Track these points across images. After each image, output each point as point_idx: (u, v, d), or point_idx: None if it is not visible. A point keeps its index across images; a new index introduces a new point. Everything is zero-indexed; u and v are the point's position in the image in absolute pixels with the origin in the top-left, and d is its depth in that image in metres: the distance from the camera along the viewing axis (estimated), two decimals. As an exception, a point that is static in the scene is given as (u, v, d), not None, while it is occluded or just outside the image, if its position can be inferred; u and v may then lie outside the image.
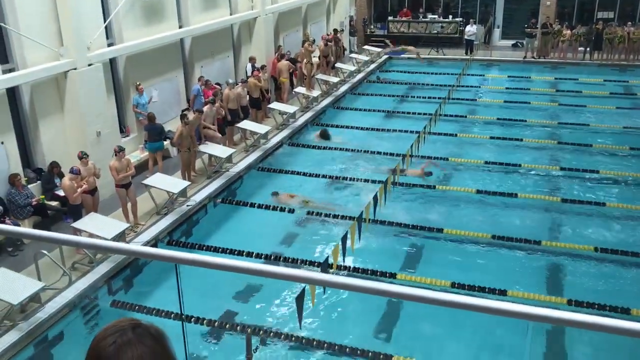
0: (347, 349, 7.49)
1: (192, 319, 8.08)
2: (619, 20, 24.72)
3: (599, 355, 7.61)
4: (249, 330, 7.71)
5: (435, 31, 26.94)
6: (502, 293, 8.59)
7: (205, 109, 13.39)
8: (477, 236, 10.45)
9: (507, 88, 20.59)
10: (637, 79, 21.07)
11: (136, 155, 13.11)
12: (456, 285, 8.82)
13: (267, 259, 9.74)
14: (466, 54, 24.77)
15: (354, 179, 12.98)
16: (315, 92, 18.80)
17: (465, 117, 17.60)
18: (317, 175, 13.28)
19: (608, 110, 17.66)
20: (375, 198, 9.36)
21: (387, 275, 9.22)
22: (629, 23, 23.53)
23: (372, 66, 23.68)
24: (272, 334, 7.83)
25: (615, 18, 25.33)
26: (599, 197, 11.99)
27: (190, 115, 12.64)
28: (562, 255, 9.93)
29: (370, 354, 7.41)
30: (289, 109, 16.79)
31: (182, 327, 3.18)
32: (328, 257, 7.96)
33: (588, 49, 23.56)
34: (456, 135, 15.99)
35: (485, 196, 12.01)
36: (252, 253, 9.75)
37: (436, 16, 27.53)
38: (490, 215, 11.41)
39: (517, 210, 11.59)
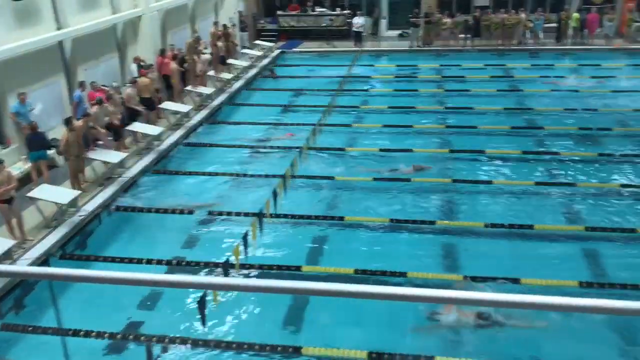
0: (256, 346, 7.46)
1: (93, 334, 7.73)
2: (494, 8, 26.25)
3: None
4: (153, 339, 7.48)
5: (324, 24, 27.34)
6: (402, 275, 8.89)
7: (94, 109, 12.76)
8: (376, 221, 10.75)
9: (396, 77, 21.29)
10: (514, 62, 22.53)
11: (19, 167, 12.27)
12: (359, 272, 9.01)
13: (169, 264, 9.48)
14: (355, 45, 25.32)
15: (254, 175, 12.91)
16: (209, 90, 18.49)
17: (359, 107, 18.02)
18: (216, 174, 13.09)
19: (489, 92, 18.74)
20: (274, 193, 9.37)
21: (293, 268, 9.26)
22: (502, 10, 25.07)
23: (266, 61, 23.65)
24: (177, 340, 7.63)
25: (491, 6, 26.86)
26: (487, 175, 12.67)
27: (77, 121, 12.01)
28: (456, 233, 10.42)
29: (279, 348, 7.43)
30: (182, 108, 16.41)
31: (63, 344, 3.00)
32: (229, 257, 7.86)
33: (468, 35, 24.85)
34: (351, 125, 16.33)
35: (382, 183, 12.36)
36: (152, 260, 9.45)
37: (324, 9, 27.91)
38: (387, 200, 11.75)
39: (412, 193, 12.02)
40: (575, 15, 24.23)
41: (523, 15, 24.62)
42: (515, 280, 8.69)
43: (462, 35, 25.03)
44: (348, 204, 11.71)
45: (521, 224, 10.45)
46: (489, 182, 12.25)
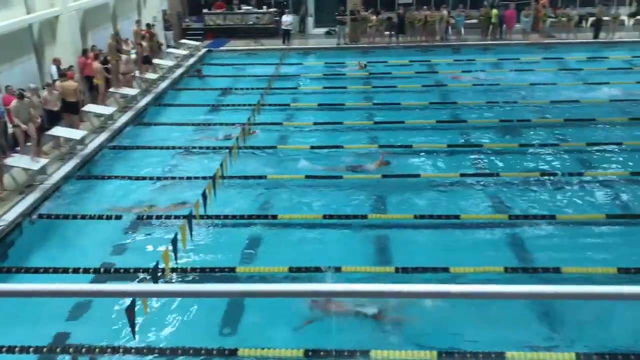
0: (191, 351, 7.33)
1: (17, 349, 7.37)
2: (417, 5, 26.93)
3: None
4: (82, 350, 7.22)
5: (251, 22, 27.20)
6: (337, 270, 8.97)
7: (13, 103, 12.14)
8: (309, 218, 10.81)
9: (324, 74, 21.44)
10: (437, 57, 23.18)
11: None
12: (294, 270, 9.03)
13: (97, 273, 9.17)
14: (283, 43, 25.33)
15: (183, 177, 12.67)
16: (134, 91, 17.99)
17: (289, 105, 18.05)
18: (143, 178, 12.75)
19: (415, 88, 19.20)
20: (204, 194, 9.23)
21: (226, 270, 9.17)
22: (425, 7, 25.75)
23: (192, 60, 23.26)
24: (109, 350, 7.40)
25: (414, 3, 27.54)
26: (414, 169, 12.96)
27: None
28: (387, 226, 10.62)
29: (214, 351, 7.34)
30: (106, 110, 15.89)
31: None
32: (158, 262, 7.68)
33: (393, 32, 25.35)
34: (282, 124, 16.32)
35: (314, 180, 12.42)
36: (79, 269, 9.10)
37: (251, 7, 27.76)
38: (321, 197, 11.82)
39: (344, 189, 12.13)
40: (494, 11, 25.18)
41: (445, 12, 25.35)
42: (445, 269, 8.94)
43: (388, 33, 25.53)
44: (281, 202, 11.70)
45: (448, 214, 10.77)
46: (417, 176, 12.53)
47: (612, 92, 17.90)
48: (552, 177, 12.23)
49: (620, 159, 13.23)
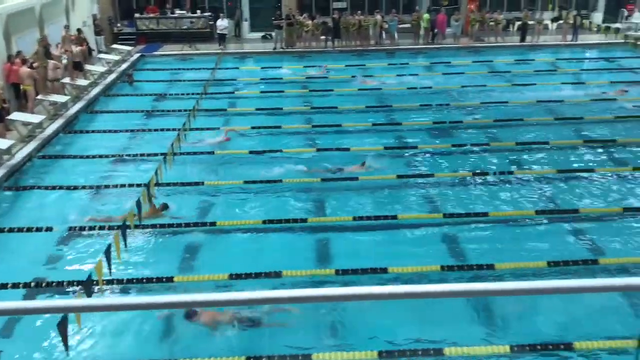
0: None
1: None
2: (351, 10, 27.28)
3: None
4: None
5: (185, 27, 26.83)
6: (277, 275, 8.96)
7: None
8: (248, 224, 10.74)
9: (262, 79, 21.39)
10: (372, 61, 23.57)
11: None
12: (234, 277, 8.96)
13: (27, 287, 8.80)
14: (219, 47, 25.11)
15: (118, 185, 12.34)
16: (64, 98, 17.38)
17: (226, 110, 17.91)
18: (75, 187, 12.33)
19: (351, 92, 19.44)
20: (138, 202, 9.02)
21: (164, 280, 8.98)
22: (359, 12, 26.13)
23: (124, 65, 22.70)
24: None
25: (348, 8, 27.90)
26: (352, 171, 13.09)
27: None
28: (327, 229, 10.68)
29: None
30: (34, 118, 15.27)
31: None
32: (91, 274, 7.44)
33: (329, 37, 25.58)
34: (219, 128, 16.16)
35: (252, 185, 12.35)
36: (7, 285, 8.70)
37: (184, 12, 27.38)
38: (261, 202, 11.77)
39: (284, 193, 12.13)
40: (426, 16, 25.83)
41: (378, 17, 25.80)
42: (384, 270, 9.09)
43: (323, 37, 25.75)
44: (220, 208, 11.57)
45: (386, 214, 10.95)
46: (355, 179, 12.66)
47: (538, 93, 18.71)
48: (484, 177, 12.64)
49: (547, 157, 13.82)
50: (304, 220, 10.83)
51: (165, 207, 11.11)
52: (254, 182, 12.45)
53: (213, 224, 10.75)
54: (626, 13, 27.96)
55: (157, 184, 10.93)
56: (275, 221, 10.76)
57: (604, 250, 9.74)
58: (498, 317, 8.05)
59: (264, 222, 10.75)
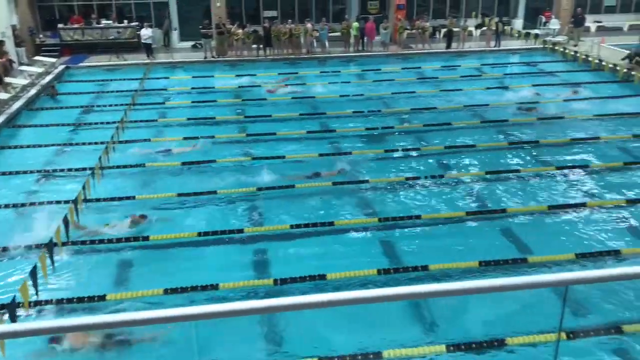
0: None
1: None
2: (282, 19, 27.35)
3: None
4: None
5: (112, 37, 26.13)
6: (214, 288, 8.81)
7: None
8: (183, 237, 10.53)
9: (193, 88, 21.09)
10: (305, 69, 23.69)
11: None
12: (169, 292, 8.75)
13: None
14: (148, 58, 24.61)
15: (44, 202, 11.82)
16: (-18, 113, 16.55)
17: (157, 120, 17.54)
18: (-3, 206, 11.74)
19: (285, 100, 19.46)
20: (65, 219, 8.67)
21: (96, 299, 8.66)
22: (290, 21, 26.23)
23: (49, 78, 21.84)
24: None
25: (279, 17, 27.96)
26: (288, 180, 13.08)
27: None
28: (264, 239, 10.61)
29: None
30: (-51, 135, 14.45)
31: None
32: (15, 296, 7.08)
33: (260, 45, 25.54)
34: (150, 140, 15.80)
35: (186, 198, 12.13)
36: None
37: (111, 21, 26.66)
38: (195, 215, 11.56)
39: (219, 204, 11.97)
40: (355, 24, 26.23)
41: (309, 25, 25.99)
42: (322, 277, 9.11)
43: (255, 46, 25.69)
44: (153, 222, 11.27)
45: (323, 221, 11.00)
46: (291, 187, 12.65)
47: (465, 98, 19.34)
48: (416, 181, 12.91)
49: (475, 159, 14.28)
50: (241, 231, 10.72)
51: (143, 217, 11.07)
52: (187, 194, 12.23)
53: (146, 238, 10.47)
54: (544, 19, 29.39)
55: (85, 200, 10.55)
56: (210, 233, 10.61)
57: (532, 249, 10.12)
58: (433, 318, 8.21)
59: (199, 234, 10.57)
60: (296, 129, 16.49)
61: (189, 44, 27.72)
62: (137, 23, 26.53)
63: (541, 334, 7.57)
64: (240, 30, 25.41)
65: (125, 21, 26.85)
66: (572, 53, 24.64)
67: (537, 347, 7.51)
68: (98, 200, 11.74)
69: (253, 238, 10.65)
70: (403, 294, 3.14)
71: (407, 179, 13.02)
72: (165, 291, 8.77)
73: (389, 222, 11.06)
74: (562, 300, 3.29)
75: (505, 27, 28.10)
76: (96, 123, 17.09)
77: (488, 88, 20.58)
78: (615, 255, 9.77)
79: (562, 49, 25.40)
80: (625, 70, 21.29)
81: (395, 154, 14.61)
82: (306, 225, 10.90)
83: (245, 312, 2.96)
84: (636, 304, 8.39)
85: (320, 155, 14.50)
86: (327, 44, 26.20)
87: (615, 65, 21.94)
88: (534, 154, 14.55)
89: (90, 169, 12.27)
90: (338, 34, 26.87)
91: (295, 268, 9.41)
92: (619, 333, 7.80)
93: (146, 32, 24.72)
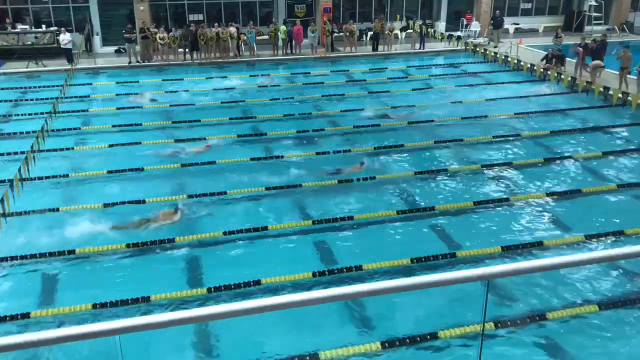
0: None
1: None
2: (208, 22, 27.03)
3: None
4: None
5: (29, 42, 25.00)
6: (145, 300, 8.59)
7: None
8: (110, 249, 10.19)
9: (117, 94, 20.49)
10: (233, 73, 23.52)
11: None
12: (98, 306, 8.45)
13: None
14: (69, 63, 23.72)
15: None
16: None
17: (80, 129, 16.92)
18: None
19: (214, 104, 19.23)
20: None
21: (18, 317, 8.26)
22: (216, 24, 25.95)
23: (-41, 86, 20.66)
24: None
25: (205, 20, 27.62)
26: (220, 186, 12.90)
27: None
28: (196, 246, 10.43)
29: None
30: None
31: None
32: None
33: (187, 49, 25.15)
34: (73, 148, 15.24)
35: (114, 208, 11.76)
36: None
37: (27, 26, 25.51)
38: (124, 225, 11.23)
39: (147, 215, 11.64)
40: (283, 27, 26.26)
41: (232, 29, 25.76)
42: (257, 282, 9.05)
43: (181, 50, 25.27)
44: (79, 235, 10.84)
45: (256, 226, 10.93)
46: (224, 193, 12.50)
47: (393, 99, 19.76)
48: (348, 182, 13.05)
49: (404, 159, 14.60)
50: (172, 240, 10.49)
51: (177, 211, 11.44)
52: (114, 203, 11.86)
53: (72, 252, 10.07)
54: (465, 22, 30.48)
55: (3, 215, 10.04)
56: (140, 244, 10.32)
57: (460, 244, 10.45)
58: (366, 317, 8.33)
59: (128, 245, 10.26)
60: (227, 133, 16.32)
61: (112, 48, 26.93)
62: (56, 28, 25.51)
63: (471, 325, 7.81)
64: (165, 34, 24.92)
65: (44, 26, 25.78)
66: (493, 54, 25.66)
67: (468, 338, 7.76)
68: (19, 214, 11.20)
69: (184, 246, 10.41)
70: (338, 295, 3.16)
71: (340, 181, 13.13)
72: (94, 306, 8.46)
73: (323, 224, 11.12)
74: (485, 292, 3.41)
75: (429, 30, 28.91)
76: (15, 133, 16.29)
77: (414, 89, 21.11)
78: (539, 246, 10.23)
79: (483, 50, 26.40)
80: (542, 69, 22.36)
81: (327, 157, 14.71)
82: (239, 231, 10.79)
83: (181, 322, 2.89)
84: (557, 292, 8.83)
85: (252, 159, 14.41)
86: (255, 47, 26.10)
87: (532, 65, 23.01)
88: (459, 152, 15.04)
89: (9, 180, 11.67)
90: (266, 37, 26.83)
91: (230, 275, 9.30)
92: (543, 319, 8.18)
93: (65, 37, 23.81)
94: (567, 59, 23.09)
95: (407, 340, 7.72)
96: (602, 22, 31.80)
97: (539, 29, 32.16)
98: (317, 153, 14.90)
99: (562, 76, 21.41)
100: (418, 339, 7.76)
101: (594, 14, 31.46)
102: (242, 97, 20.24)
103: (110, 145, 15.30)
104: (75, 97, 19.94)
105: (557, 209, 11.79)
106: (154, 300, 8.63)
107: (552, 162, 14.29)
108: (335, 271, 9.53)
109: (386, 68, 24.79)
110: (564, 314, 8.30)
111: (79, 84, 21.52)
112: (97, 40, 27.00)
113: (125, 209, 11.68)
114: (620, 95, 18.70)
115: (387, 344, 7.65)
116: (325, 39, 27.19)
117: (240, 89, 21.25)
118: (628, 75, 19.63)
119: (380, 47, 27.28)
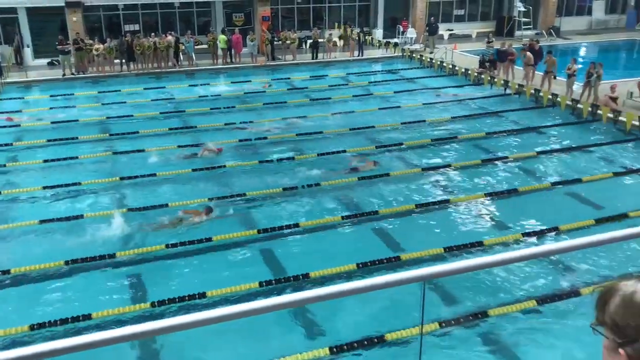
0: None
1: None
2: (144, 32, 26.57)
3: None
4: None
5: (-47, 55, 23.90)
6: (86, 318, 8.33)
7: None
8: (49, 267, 9.82)
9: (51, 108, 19.85)
10: (172, 83, 23.18)
11: None
12: (35, 327, 8.13)
13: None
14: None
15: None
16: None
17: (12, 144, 16.28)
18: None
19: (153, 115, 18.90)
20: None
21: (-50, 344, 7.84)
22: (153, 34, 25.54)
23: None
24: None
25: (142, 30, 27.14)
26: (160, 198, 12.64)
27: None
28: (139, 262, 10.18)
29: None
30: None
31: None
32: None
33: (123, 60, 24.63)
34: (5, 165, 14.66)
35: (51, 224, 11.35)
36: None
37: (-50, 38, 24.40)
38: (61, 242, 10.84)
39: (89, 230, 11.30)
40: (222, 37, 26.11)
41: (169, 38, 25.45)
42: (202, 295, 8.92)
43: (117, 61, 24.73)
44: (13, 254, 10.42)
45: (200, 238, 10.78)
46: (165, 205, 12.26)
47: (333, 106, 19.95)
48: (292, 190, 13.07)
49: (346, 165, 14.74)
50: (112, 256, 10.21)
51: (210, 210, 11.68)
52: (51, 220, 11.45)
53: (6, 272, 9.65)
54: (402, 29, 31.14)
55: None
56: (79, 260, 9.99)
57: (403, 247, 10.62)
58: (313, 323, 8.36)
59: (67, 262, 9.92)
60: (166, 144, 16.05)
61: (45, 61, 26.06)
62: (-18, 40, 24.52)
63: (415, 327, 7.95)
64: (100, 45, 24.32)
65: (-31, 38, 24.74)
66: (429, 60, 26.30)
67: (411, 339, 7.89)
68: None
69: (126, 262, 10.15)
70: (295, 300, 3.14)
71: (285, 189, 13.12)
72: (31, 327, 8.14)
73: (269, 232, 11.08)
74: (422, 293, 3.49)
75: (367, 37, 29.38)
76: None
77: (355, 96, 21.38)
78: (479, 246, 10.53)
79: (419, 56, 27.02)
80: (475, 73, 23.09)
81: (270, 165, 14.69)
82: (183, 244, 10.62)
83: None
84: (501, 288, 9.11)
85: (193, 170, 14.22)
86: (194, 56, 25.82)
87: (467, 69, 23.73)
88: (400, 156, 15.32)
89: None
90: (205, 46, 26.60)
91: (175, 289, 9.14)
92: (485, 317, 8.42)
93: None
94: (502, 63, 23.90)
95: (355, 345, 7.77)
96: (531, 27, 33.18)
97: (472, 35, 33.21)
98: (260, 162, 14.85)
99: (495, 80, 22.19)
100: (365, 342, 7.84)
101: (523, 19, 32.79)
102: (182, 107, 19.96)
103: (45, 161, 14.78)
104: (6, 112, 19.18)
105: (495, 209, 12.18)
106: (95, 318, 8.36)
107: (489, 162, 14.75)
108: (282, 280, 9.51)
109: (326, 75, 25.00)
110: (504, 311, 8.56)
111: (10, 98, 20.72)
112: (28, 52, 26.07)
113: (59, 225, 11.29)
114: (550, 96, 19.55)
115: (335, 349, 7.68)
116: (265, 48, 27.18)
117: (179, 99, 20.96)
118: (554, 79, 20.75)
119: (320, 55, 27.49)
